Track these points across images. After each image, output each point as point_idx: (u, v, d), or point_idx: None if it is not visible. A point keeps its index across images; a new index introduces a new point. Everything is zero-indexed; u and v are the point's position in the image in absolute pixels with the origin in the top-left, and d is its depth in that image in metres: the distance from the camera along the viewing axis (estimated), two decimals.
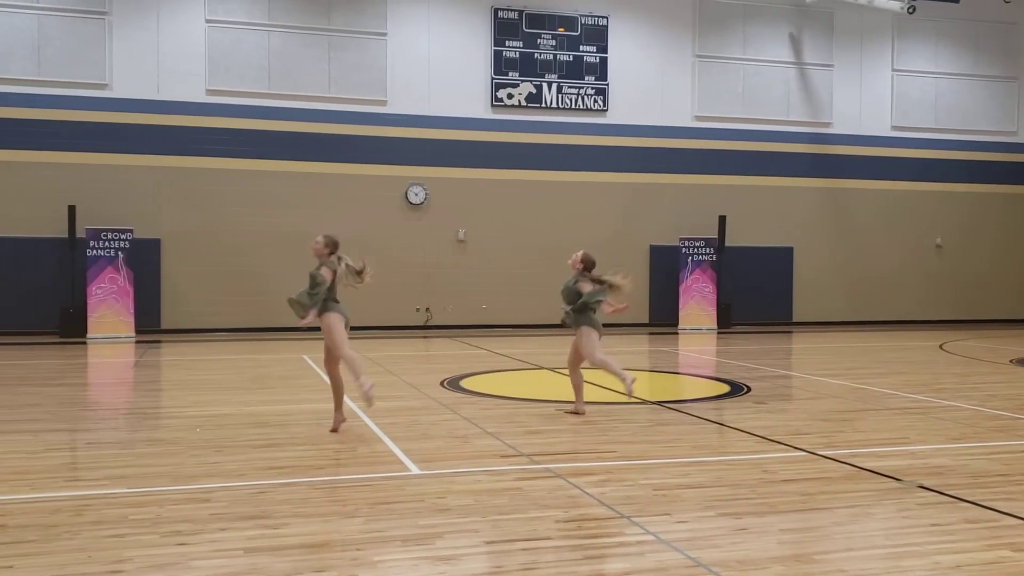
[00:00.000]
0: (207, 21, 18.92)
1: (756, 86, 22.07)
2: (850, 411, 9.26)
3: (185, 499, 5.62)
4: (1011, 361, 14.26)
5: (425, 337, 18.72)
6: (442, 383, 11.13)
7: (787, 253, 22.26)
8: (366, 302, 19.65)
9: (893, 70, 23.04)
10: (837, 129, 22.67)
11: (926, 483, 6.06)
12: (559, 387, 10.79)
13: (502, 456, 6.92)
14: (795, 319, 22.26)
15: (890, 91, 23.06)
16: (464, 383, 11.19)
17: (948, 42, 23.33)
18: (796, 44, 22.35)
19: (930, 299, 23.19)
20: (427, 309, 20.12)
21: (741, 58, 21.96)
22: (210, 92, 18.96)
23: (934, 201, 23.23)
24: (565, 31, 20.74)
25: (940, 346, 16.94)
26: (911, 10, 20.31)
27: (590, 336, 8.70)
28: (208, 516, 5.24)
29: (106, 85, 18.47)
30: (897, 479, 6.18)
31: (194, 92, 18.87)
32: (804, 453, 7.07)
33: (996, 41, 23.64)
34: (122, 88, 18.55)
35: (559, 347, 15.84)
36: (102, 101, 18.40)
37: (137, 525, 5.04)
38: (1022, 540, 4.84)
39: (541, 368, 13.06)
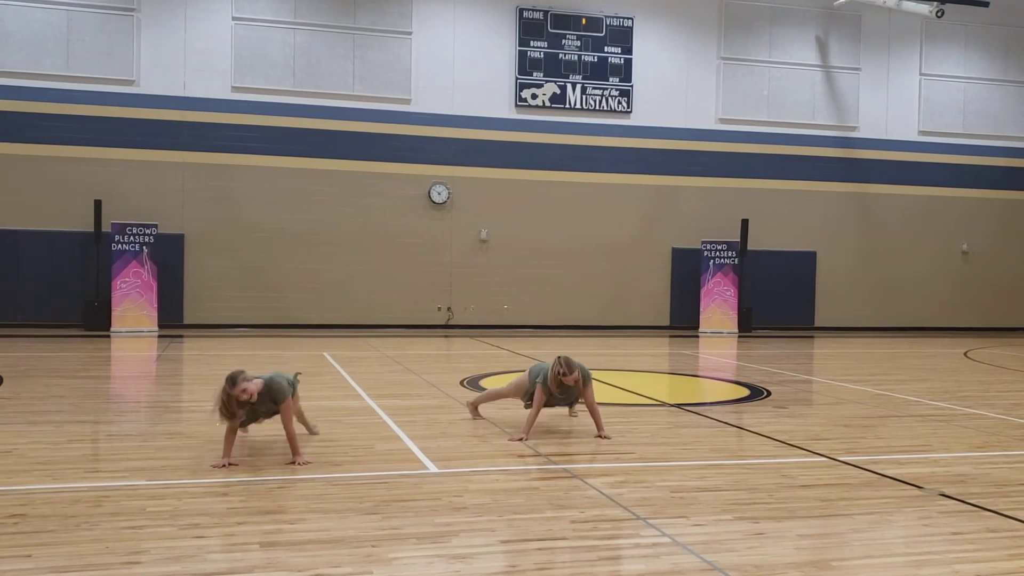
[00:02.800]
0: (234, 19, 19.05)
1: (781, 89, 21.93)
2: (871, 417, 9.17)
3: (203, 492, 5.66)
4: None
5: (446, 336, 18.74)
6: (462, 382, 11.13)
7: (810, 257, 22.11)
8: (388, 300, 19.83)
9: (921, 74, 22.83)
10: (863, 133, 22.49)
11: (948, 491, 5.99)
12: None
13: (519, 456, 6.91)
14: (817, 324, 22.11)
15: (917, 95, 22.85)
16: (483, 383, 11.18)
17: (977, 46, 23.08)
18: (823, 47, 22.20)
19: (955, 306, 22.95)
20: (448, 308, 20.15)
21: (767, 61, 21.84)
22: (236, 89, 19.09)
23: (961, 207, 22.99)
24: (589, 30, 20.70)
25: (965, 353, 16.76)
26: (940, 14, 20.12)
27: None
28: (225, 510, 5.26)
29: (134, 81, 18.64)
30: (918, 487, 6.12)
31: (220, 89, 19.01)
32: (824, 458, 7.01)
33: None
34: (149, 85, 18.71)
35: (580, 348, 15.82)
36: (129, 97, 18.57)
37: (155, 517, 5.07)
38: None
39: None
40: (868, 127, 22.54)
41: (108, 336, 17.22)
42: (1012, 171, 23.28)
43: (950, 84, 23.02)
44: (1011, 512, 5.49)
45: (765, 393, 10.78)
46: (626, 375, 11.79)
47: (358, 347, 15.71)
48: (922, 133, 22.88)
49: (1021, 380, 12.82)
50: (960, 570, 4.46)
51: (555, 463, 6.66)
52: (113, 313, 17.82)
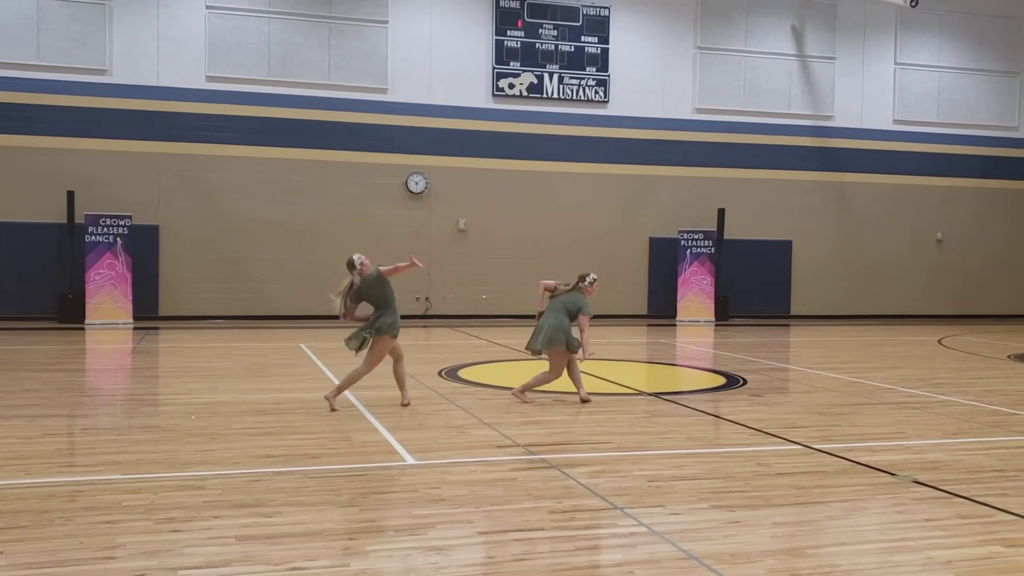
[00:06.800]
0: (207, 7, 18.86)
1: (757, 78, 22.01)
2: (846, 405, 9.26)
3: (179, 486, 5.62)
4: (1009, 357, 14.26)
5: (424, 327, 18.71)
6: (440, 373, 11.12)
7: (786, 246, 22.25)
8: None
9: (896, 63, 22.98)
10: (838, 122, 22.62)
11: (921, 478, 6.06)
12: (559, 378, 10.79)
13: (498, 447, 6.92)
14: (793, 312, 22.26)
15: (892, 84, 23.00)
16: (462, 373, 11.19)
17: (951, 36, 23.26)
18: (798, 36, 22.28)
19: (930, 294, 23.18)
20: (427, 298, 20.11)
21: (743, 50, 21.90)
22: (210, 79, 18.91)
23: (935, 195, 23.19)
24: (565, 19, 20.67)
25: (939, 341, 16.94)
26: (914, 3, 20.23)
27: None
28: (202, 503, 5.24)
29: (106, 71, 18.42)
30: (892, 474, 6.18)
31: (194, 78, 18.83)
32: (799, 446, 7.07)
33: (999, 35, 23.56)
34: (122, 74, 18.50)
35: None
36: (102, 87, 18.36)
37: (130, 511, 5.04)
38: (1015, 536, 4.84)
39: (540, 358, 13.03)
40: (843, 116, 22.66)
41: (82, 328, 17.06)
42: (985, 160, 23.50)
43: (924, 73, 23.18)
44: (983, 498, 5.56)
45: (741, 381, 10.85)
46: (604, 364, 11.83)
47: (335, 339, 15.59)
48: (897, 122, 23.04)
49: (994, 367, 12.98)
50: (933, 556, 4.51)
51: (533, 453, 6.67)
52: (87, 305, 17.65)
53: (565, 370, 8.94)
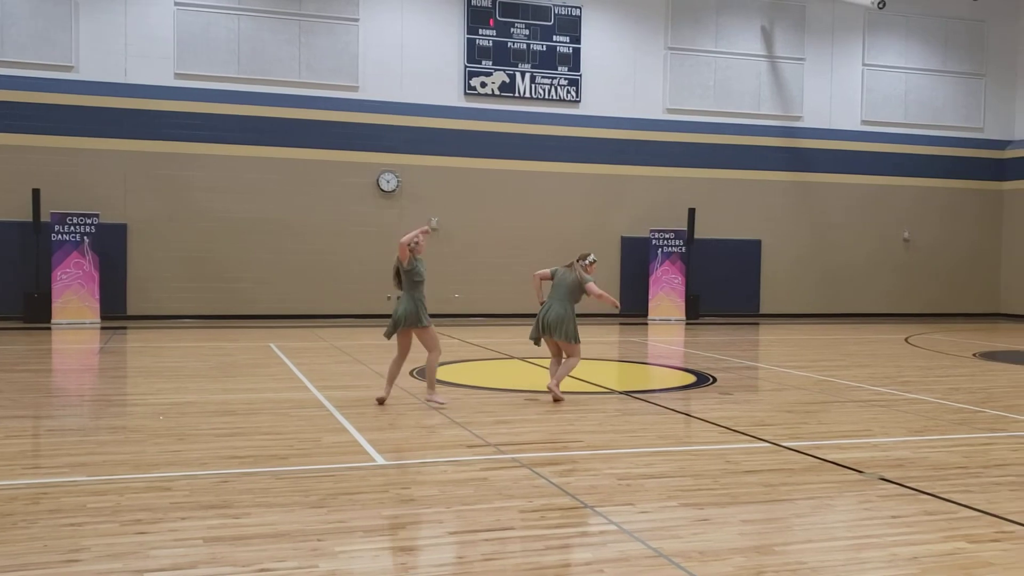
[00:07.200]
0: (176, 4, 18.68)
1: (727, 79, 22.15)
2: (814, 403, 9.34)
3: (146, 488, 5.57)
4: (974, 355, 14.46)
5: None
6: (412, 372, 11.09)
7: (755, 246, 22.41)
8: (337, 290, 19.66)
9: (864, 65, 23.22)
10: (807, 123, 22.81)
11: (887, 475, 6.13)
12: (531, 377, 10.82)
13: (469, 446, 6.91)
14: (762, 311, 22.43)
15: (860, 86, 23.24)
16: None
17: (918, 38, 23.54)
18: (768, 37, 22.45)
19: (897, 293, 23.44)
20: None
21: (713, 51, 22.03)
22: (179, 76, 18.73)
23: (902, 195, 23.46)
24: (537, 19, 20.69)
25: (906, 339, 17.13)
26: (881, 5, 20.45)
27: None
28: (169, 505, 5.19)
29: (72, 67, 18.19)
30: (859, 471, 6.25)
31: (162, 76, 18.64)
32: (767, 444, 7.12)
33: (964, 38, 23.88)
34: (89, 71, 18.28)
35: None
36: (68, 83, 18.13)
37: (96, 514, 4.98)
38: (978, 532, 4.90)
39: (512, 358, 13.06)
40: (812, 117, 22.86)
41: (49, 328, 16.84)
42: (951, 160, 23.80)
43: (892, 74, 23.45)
44: (948, 495, 5.63)
45: (711, 380, 10.92)
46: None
47: (306, 338, 15.57)
48: (865, 123, 23.28)
49: (959, 365, 13.15)
50: (898, 553, 4.56)
51: (504, 453, 6.67)
52: (53, 305, 17.42)
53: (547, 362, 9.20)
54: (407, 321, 8.54)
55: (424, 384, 8.96)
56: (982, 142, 24.11)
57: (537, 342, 9.36)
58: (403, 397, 9.19)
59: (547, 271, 9.41)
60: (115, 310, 18.20)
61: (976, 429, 7.95)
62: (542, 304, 9.30)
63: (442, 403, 8.52)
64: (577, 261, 9.28)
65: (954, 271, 23.84)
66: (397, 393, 9.43)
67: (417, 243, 8.53)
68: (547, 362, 9.52)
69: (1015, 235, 23.91)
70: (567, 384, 9.91)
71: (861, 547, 4.65)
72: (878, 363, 13.18)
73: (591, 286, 9.13)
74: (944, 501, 5.50)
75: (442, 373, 11.11)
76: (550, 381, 9.05)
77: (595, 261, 9.34)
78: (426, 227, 8.82)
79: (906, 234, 23.53)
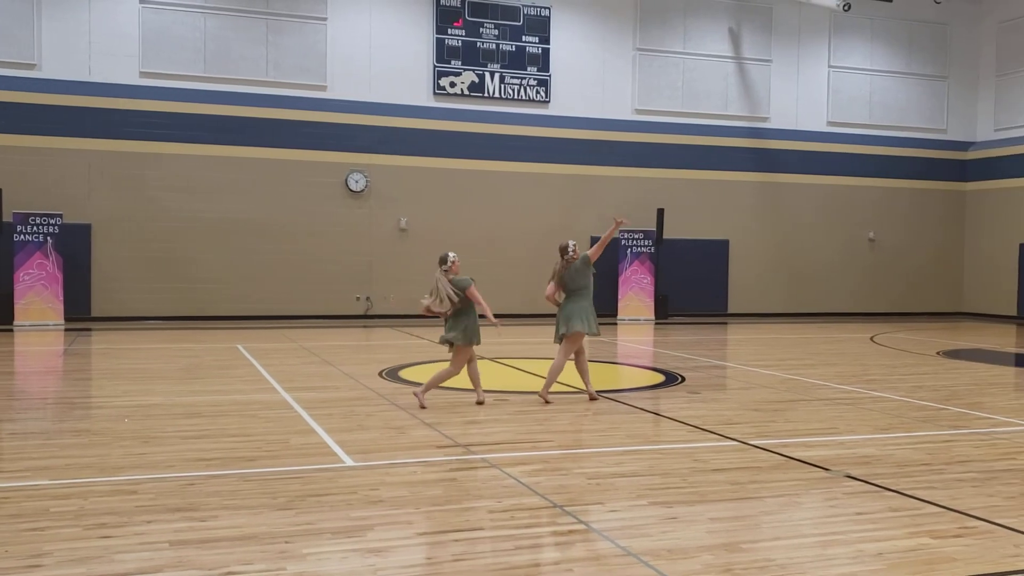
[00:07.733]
0: (141, 1, 18.46)
1: (695, 80, 22.28)
2: (781, 401, 9.42)
3: (111, 491, 5.49)
4: (938, 353, 14.66)
5: (365, 327, 18.57)
6: (380, 373, 11.05)
7: (723, 246, 22.56)
8: (305, 291, 19.53)
9: (829, 66, 23.46)
10: (774, 124, 23.01)
11: (853, 472, 6.19)
12: (501, 377, 10.81)
13: (438, 447, 6.89)
14: (730, 311, 22.59)
15: (826, 87, 23.47)
16: (403, 373, 11.13)
17: (882, 40, 23.83)
18: (735, 39, 22.62)
19: (863, 292, 23.70)
20: (367, 298, 19.96)
21: (681, 52, 22.15)
22: (144, 74, 18.53)
23: (867, 196, 23.73)
24: (506, 19, 20.69)
25: (871, 338, 17.33)
26: (847, 8, 20.68)
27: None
28: (134, 508, 5.12)
29: (35, 65, 17.93)
30: (825, 468, 6.31)
31: (127, 74, 18.42)
32: (735, 442, 7.17)
33: (928, 41, 24.21)
34: (52, 69, 18.02)
35: (501, 336, 15.81)
36: (31, 82, 17.86)
37: (59, 518, 4.91)
38: (942, 528, 4.97)
39: (482, 358, 13.01)
40: (779, 118, 23.06)
41: (11, 330, 16.57)
42: (915, 161, 24.11)
43: (857, 76, 23.71)
44: (912, 492, 5.70)
45: (680, 379, 10.98)
46: (545, 363, 11.85)
47: (274, 339, 15.45)
48: (830, 124, 23.53)
49: (924, 363, 13.33)
50: (864, 549, 4.61)
51: (474, 453, 6.66)
52: (16, 306, 17.15)
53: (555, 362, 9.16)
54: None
55: (395, 384, 8.92)
56: (945, 143, 24.44)
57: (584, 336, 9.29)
58: (371, 398, 9.15)
59: (552, 288, 9.29)
60: (79, 311, 17.95)
61: (939, 426, 8.06)
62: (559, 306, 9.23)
63: (424, 406, 8.49)
64: (566, 253, 9.18)
65: (918, 271, 24.15)
66: (365, 394, 9.38)
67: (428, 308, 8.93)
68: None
69: (977, 235, 24.27)
70: (536, 384, 9.89)
71: (828, 544, 4.69)
72: (844, 362, 13.31)
73: (596, 250, 9.17)
74: (908, 498, 5.57)
75: (410, 373, 11.09)
76: (589, 389, 9.17)
77: (576, 244, 9.36)
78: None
79: (871, 234, 23.81)
